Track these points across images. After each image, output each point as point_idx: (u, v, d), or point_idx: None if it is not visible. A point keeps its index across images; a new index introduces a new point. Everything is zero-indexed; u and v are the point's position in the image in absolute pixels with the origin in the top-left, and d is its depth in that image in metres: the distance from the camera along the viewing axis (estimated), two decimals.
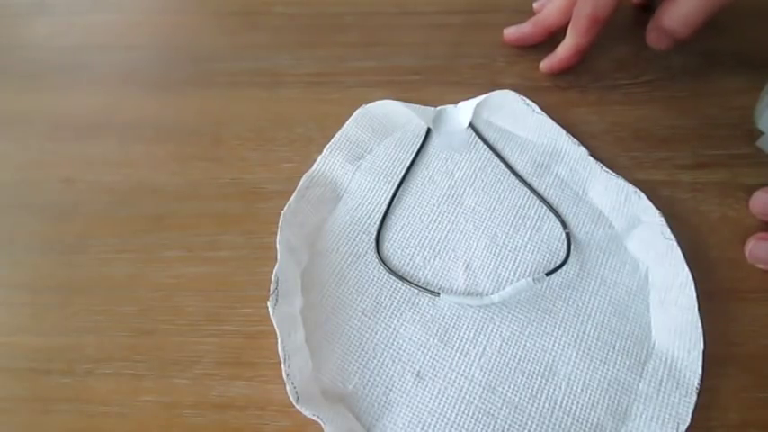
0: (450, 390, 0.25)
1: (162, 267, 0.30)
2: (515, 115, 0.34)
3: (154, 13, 0.42)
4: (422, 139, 0.33)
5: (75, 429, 0.25)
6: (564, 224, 0.30)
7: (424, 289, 0.28)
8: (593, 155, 0.32)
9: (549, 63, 0.36)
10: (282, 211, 0.29)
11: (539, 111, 0.33)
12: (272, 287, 0.26)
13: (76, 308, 0.29)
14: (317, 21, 0.41)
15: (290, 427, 0.25)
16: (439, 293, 0.27)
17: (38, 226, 0.31)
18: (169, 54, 0.39)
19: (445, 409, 0.25)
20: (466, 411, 0.25)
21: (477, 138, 0.33)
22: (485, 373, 0.26)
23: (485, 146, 0.33)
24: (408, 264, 0.29)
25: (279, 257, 0.27)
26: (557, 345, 0.26)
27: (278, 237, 0.28)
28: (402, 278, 0.28)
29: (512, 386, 0.25)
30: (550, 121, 0.33)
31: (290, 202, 0.30)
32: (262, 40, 0.40)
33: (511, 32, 0.38)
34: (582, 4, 0.33)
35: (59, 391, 0.26)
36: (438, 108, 0.34)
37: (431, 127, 0.34)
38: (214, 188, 0.32)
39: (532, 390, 0.25)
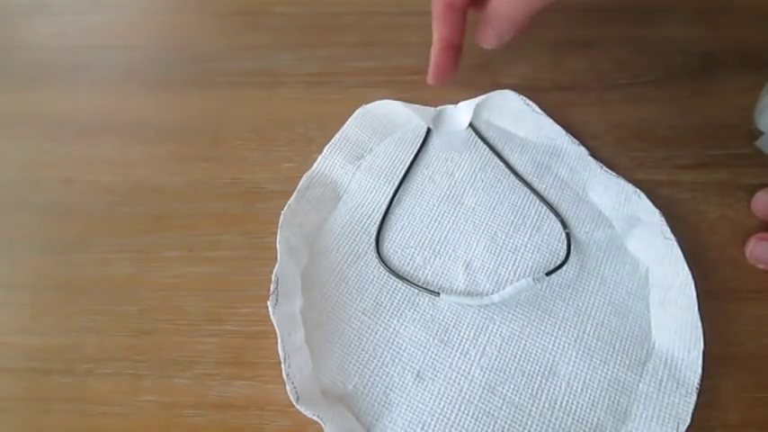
0: (451, 390, 0.25)
1: (162, 267, 0.30)
2: (515, 115, 0.34)
3: (154, 13, 0.42)
4: (422, 139, 0.33)
5: (75, 429, 0.25)
6: (564, 224, 0.30)
7: (424, 289, 0.28)
8: (593, 155, 0.32)
9: (430, 75, 0.31)
10: (282, 211, 0.29)
11: (539, 111, 0.33)
12: (272, 287, 0.26)
13: (76, 308, 0.29)
14: (317, 21, 0.41)
15: (290, 427, 0.25)
16: (439, 293, 0.27)
17: (38, 226, 0.31)
18: (169, 54, 0.39)
19: (445, 409, 0.25)
20: (466, 411, 0.25)
21: (477, 138, 0.33)
22: (485, 373, 0.26)
23: (485, 146, 0.33)
24: (408, 264, 0.29)
25: (279, 257, 0.27)
26: (557, 345, 0.26)
27: (278, 237, 0.28)
28: (402, 278, 0.28)
29: (512, 386, 0.25)
30: (550, 121, 0.33)
31: (290, 202, 0.30)
32: (262, 40, 0.40)
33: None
34: None
35: (59, 391, 0.26)
36: (438, 108, 0.34)
37: (431, 127, 0.34)
38: (214, 188, 0.32)
39: (532, 390, 0.25)
